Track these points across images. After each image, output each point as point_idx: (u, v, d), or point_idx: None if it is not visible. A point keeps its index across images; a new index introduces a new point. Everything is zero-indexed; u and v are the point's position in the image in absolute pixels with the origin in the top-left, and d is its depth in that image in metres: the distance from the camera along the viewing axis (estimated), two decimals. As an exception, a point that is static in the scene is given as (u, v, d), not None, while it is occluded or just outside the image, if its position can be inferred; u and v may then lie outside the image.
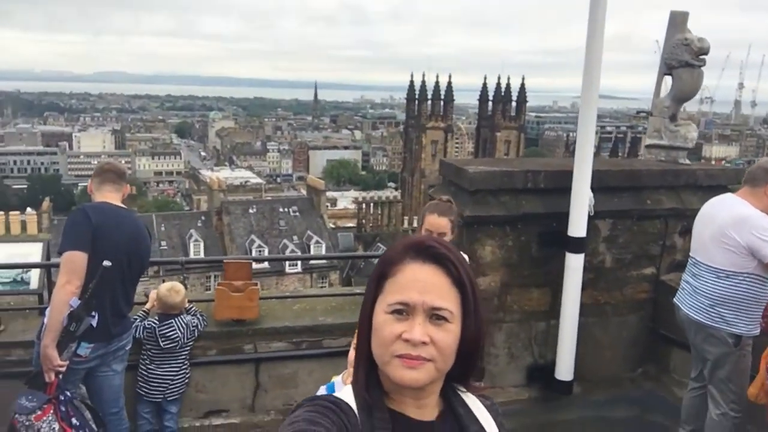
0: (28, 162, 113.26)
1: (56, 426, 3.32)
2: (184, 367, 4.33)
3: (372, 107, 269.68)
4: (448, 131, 79.01)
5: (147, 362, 4.26)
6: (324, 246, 43.85)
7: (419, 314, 1.23)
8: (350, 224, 55.05)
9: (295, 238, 44.27)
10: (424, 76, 78.32)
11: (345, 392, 1.30)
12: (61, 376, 3.38)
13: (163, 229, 44.11)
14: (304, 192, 58.45)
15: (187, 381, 4.36)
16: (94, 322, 3.38)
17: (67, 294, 3.31)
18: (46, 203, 46.39)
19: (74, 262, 3.36)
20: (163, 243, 42.64)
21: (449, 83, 78.17)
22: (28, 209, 21.52)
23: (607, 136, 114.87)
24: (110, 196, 3.68)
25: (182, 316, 4.30)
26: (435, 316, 1.24)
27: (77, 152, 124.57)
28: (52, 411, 3.33)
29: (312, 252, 43.44)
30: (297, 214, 46.23)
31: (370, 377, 1.30)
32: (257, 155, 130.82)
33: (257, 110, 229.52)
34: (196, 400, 4.53)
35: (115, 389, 3.80)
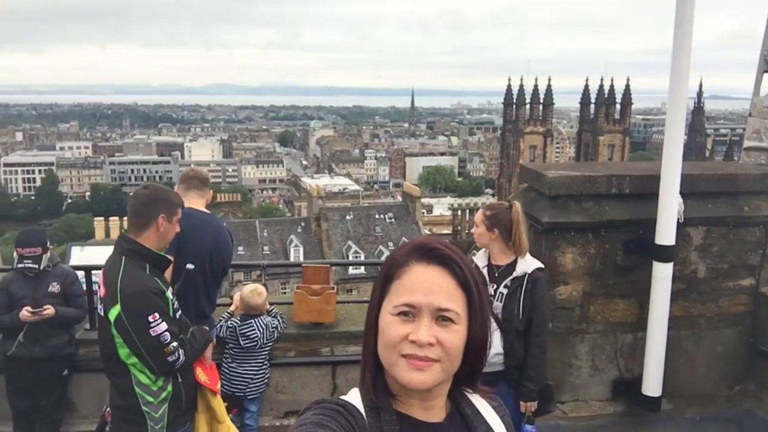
0: (144, 170, 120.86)
1: None
2: (263, 367, 4.48)
3: (469, 113, 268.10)
4: (547, 136, 77.13)
5: (229, 361, 4.45)
6: (419, 252, 43.92)
7: (425, 316, 1.24)
8: (446, 231, 54.82)
9: (390, 244, 44.63)
10: (522, 79, 77.02)
11: (352, 395, 1.31)
12: None
13: (265, 234, 45.81)
14: (400, 199, 58.90)
15: (266, 381, 4.51)
16: None
17: None
18: (158, 209, 49.65)
19: None
20: (266, 248, 44.29)
21: (548, 86, 76.37)
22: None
23: (722, 138, 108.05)
24: (195, 201, 3.88)
25: (262, 317, 4.47)
26: (441, 317, 1.25)
27: (188, 161, 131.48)
28: None
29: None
30: (392, 220, 46.64)
31: (377, 380, 1.30)
32: (355, 162, 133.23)
33: (356, 118, 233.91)
34: (276, 400, 4.68)
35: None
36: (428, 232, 50.32)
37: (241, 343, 4.39)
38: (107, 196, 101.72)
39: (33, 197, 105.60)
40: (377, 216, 46.99)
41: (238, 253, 44.20)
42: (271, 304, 4.77)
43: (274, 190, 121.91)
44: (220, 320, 4.52)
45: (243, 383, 4.42)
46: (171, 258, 3.26)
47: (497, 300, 3.63)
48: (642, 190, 4.61)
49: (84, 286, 4.59)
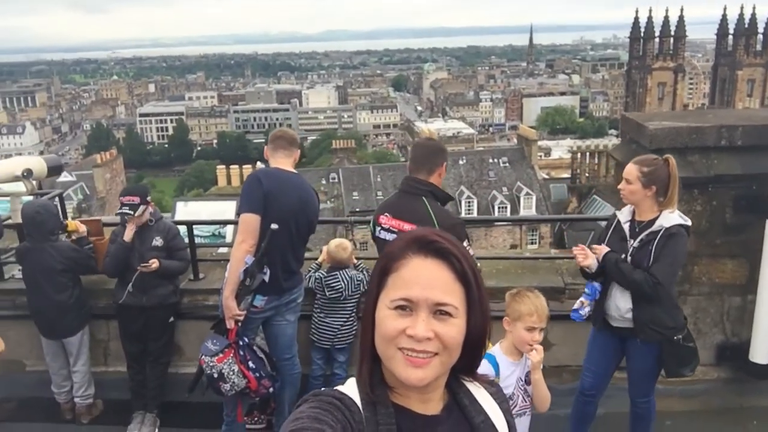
0: (265, 118, 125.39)
1: (236, 368, 3.79)
2: (350, 318, 4.61)
3: (592, 48, 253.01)
4: (678, 71, 71.43)
5: (318, 311, 4.63)
6: (534, 198, 42.93)
7: (423, 310, 1.22)
8: (564, 175, 52.91)
9: (504, 189, 43.87)
10: (651, 10, 71.23)
11: (349, 386, 1.30)
12: (240, 324, 3.81)
13: (378, 180, 46.46)
14: (515, 142, 57.35)
15: (354, 332, 4.64)
16: (267, 278, 3.74)
17: (242, 252, 3.69)
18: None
19: (249, 223, 3.71)
20: (379, 193, 44.93)
21: (681, 17, 70.15)
22: (258, 163, 23.84)
23: None
24: (282, 161, 3.97)
25: (347, 270, 4.57)
26: (439, 311, 1.22)
27: (306, 108, 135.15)
28: (231, 354, 3.79)
29: (522, 204, 42.90)
30: (507, 164, 45.62)
31: (374, 372, 1.29)
32: (470, 105, 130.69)
33: (471, 59, 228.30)
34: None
35: (289, 337, 4.17)
36: (545, 176, 48.80)
37: (327, 294, 4.54)
38: (232, 143, 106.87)
39: (166, 145, 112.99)
40: (491, 160, 46.12)
41: (353, 198, 45.38)
42: (359, 258, 4.86)
43: (388, 135, 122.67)
44: (309, 271, 4.69)
45: (330, 333, 4.57)
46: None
47: (630, 254, 3.49)
48: (757, 141, 4.18)
49: (186, 240, 4.89)
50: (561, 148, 74.19)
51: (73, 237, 4.74)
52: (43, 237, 4.47)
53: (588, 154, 50.21)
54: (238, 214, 3.90)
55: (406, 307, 1.22)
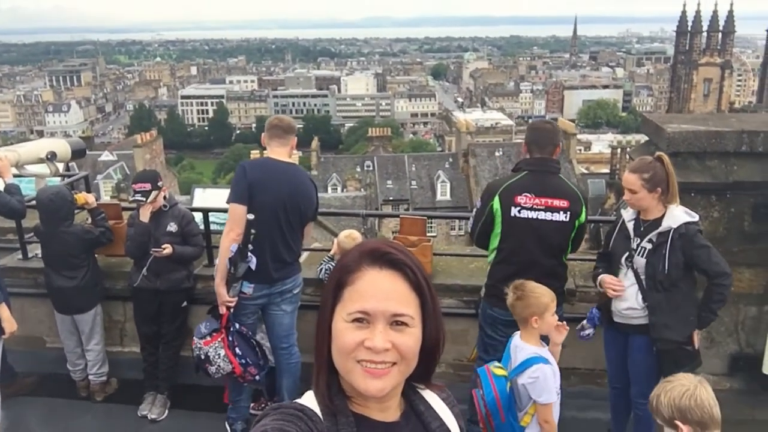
0: (304, 104, 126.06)
1: (222, 352, 3.89)
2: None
3: (638, 41, 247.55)
4: (726, 68, 69.51)
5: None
6: (570, 192, 42.26)
7: (380, 322, 1.23)
8: (603, 170, 51.99)
9: (540, 182, 43.32)
10: (699, 4, 69.32)
11: (308, 398, 1.32)
12: (231, 311, 3.90)
13: (413, 169, 46.38)
14: (553, 135, 56.41)
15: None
16: (253, 266, 3.80)
17: (228, 241, 3.79)
18: (314, 142, 51.72)
19: (234, 213, 3.81)
20: (413, 182, 44.92)
21: (730, 11, 68.25)
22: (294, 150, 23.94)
23: None
24: (277, 150, 4.01)
25: None
26: (396, 322, 1.23)
27: (344, 95, 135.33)
28: (220, 339, 3.90)
29: (557, 198, 42.20)
30: (544, 157, 44.99)
31: (331, 384, 1.30)
32: (509, 96, 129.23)
33: (512, 49, 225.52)
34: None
35: (285, 327, 4.22)
36: (584, 171, 48.08)
37: None
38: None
39: (206, 128, 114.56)
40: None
41: (387, 186, 45.39)
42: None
43: (425, 124, 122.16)
44: (321, 263, 4.72)
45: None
46: None
47: (639, 255, 3.55)
48: (779, 148, 4.04)
49: (201, 226, 4.98)
50: (602, 143, 72.89)
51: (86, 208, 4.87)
52: (57, 222, 4.59)
53: (629, 148, 49.26)
54: (227, 203, 3.95)
55: (363, 319, 1.23)
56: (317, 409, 1.28)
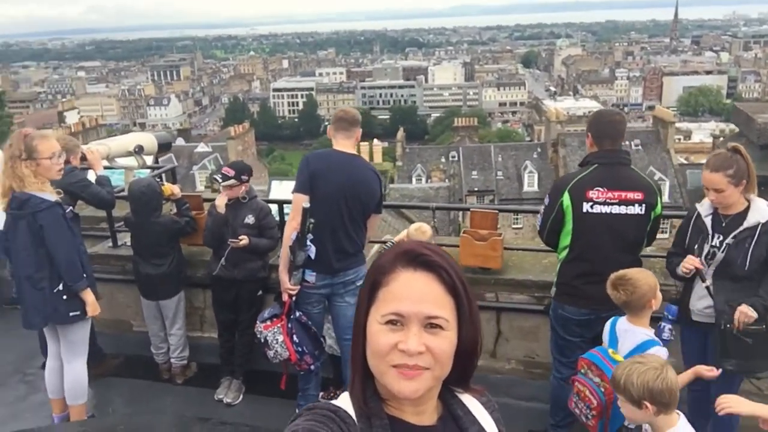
0: (391, 95, 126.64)
1: (280, 338, 4.00)
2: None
3: (746, 24, 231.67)
4: None
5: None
6: (668, 184, 40.34)
7: (414, 324, 1.21)
8: (703, 160, 49.18)
9: (634, 173, 41.59)
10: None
11: (343, 400, 1.31)
12: (293, 298, 3.98)
13: (500, 159, 45.66)
14: (651, 124, 54.01)
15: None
16: (312, 254, 3.86)
17: (290, 229, 3.92)
18: (400, 133, 51.82)
19: (296, 203, 3.91)
20: (500, 173, 44.24)
21: None
22: (375, 140, 24.22)
23: None
24: (342, 143, 4.05)
25: None
26: (430, 324, 1.22)
27: (431, 85, 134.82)
28: (279, 325, 4.00)
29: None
30: (639, 147, 43.14)
31: (366, 385, 1.29)
32: (604, 83, 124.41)
33: (608, 35, 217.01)
34: (442, 338, 4.80)
35: (349, 319, 4.22)
36: (683, 161, 45.72)
37: None
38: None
39: (296, 119, 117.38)
40: (622, 142, 43.83)
41: (472, 177, 44.91)
42: (440, 244, 4.84)
43: (514, 113, 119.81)
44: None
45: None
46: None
47: (721, 251, 3.37)
48: None
49: (277, 218, 5.10)
50: (703, 132, 69.01)
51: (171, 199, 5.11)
52: (147, 213, 4.82)
53: (720, 140, 46.38)
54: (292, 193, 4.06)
55: (397, 321, 1.22)
56: (351, 411, 1.27)
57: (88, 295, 3.99)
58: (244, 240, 4.65)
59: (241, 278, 4.79)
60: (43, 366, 4.42)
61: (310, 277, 4.00)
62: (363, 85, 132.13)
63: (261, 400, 4.84)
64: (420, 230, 4.59)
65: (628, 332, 3.24)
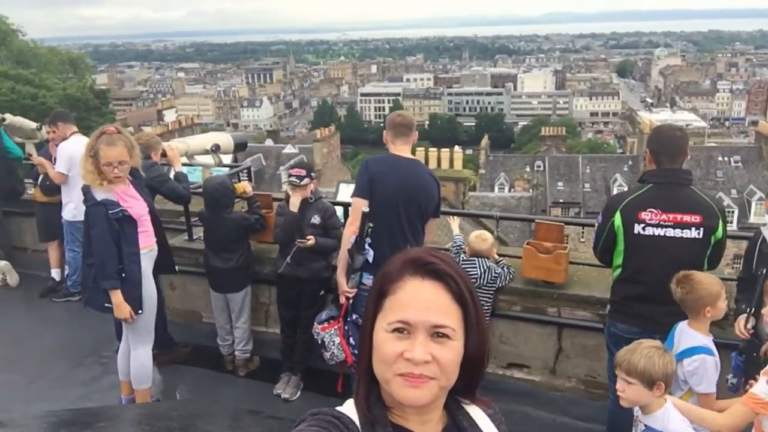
0: (477, 102, 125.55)
1: (336, 340, 4.04)
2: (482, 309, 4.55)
3: None
4: None
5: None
6: (769, 203, 37.93)
7: (420, 333, 1.20)
8: (814, 180, 45.95)
9: (733, 191, 39.46)
10: None
11: (347, 407, 1.31)
12: (350, 301, 4.02)
13: (588, 171, 44.43)
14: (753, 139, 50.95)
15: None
16: (370, 258, 3.88)
17: (348, 233, 3.97)
18: (484, 140, 51.31)
19: (355, 207, 3.95)
20: (587, 185, 43.03)
21: None
22: (456, 147, 24.02)
23: None
24: (400, 147, 4.08)
25: (486, 260, 4.51)
26: (437, 333, 1.21)
27: (520, 93, 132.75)
28: (336, 327, 4.04)
29: (752, 210, 38.30)
30: (739, 164, 40.94)
31: (371, 392, 1.29)
32: (704, 96, 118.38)
33: (710, 45, 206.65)
34: (499, 350, 4.72)
35: None
36: (789, 180, 42.90)
37: None
38: (443, 125, 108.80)
39: (381, 124, 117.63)
40: (720, 158, 41.64)
41: (557, 188, 43.82)
42: (502, 255, 4.78)
43: (606, 124, 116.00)
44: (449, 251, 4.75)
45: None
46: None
47: None
48: None
49: (343, 220, 5.17)
50: (813, 150, 64.30)
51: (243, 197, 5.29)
52: (220, 209, 5.02)
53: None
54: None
55: (404, 329, 1.21)
56: (355, 418, 1.27)
57: (115, 296, 4.08)
58: (311, 240, 4.75)
59: (304, 277, 4.89)
60: (117, 350, 4.68)
61: (368, 280, 4.04)
62: (450, 91, 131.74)
63: (317, 398, 4.91)
64: (480, 238, 4.54)
65: (684, 333, 3.17)
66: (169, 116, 65.13)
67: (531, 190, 40.78)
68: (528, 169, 45.46)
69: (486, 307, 4.58)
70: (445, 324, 1.21)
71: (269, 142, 59.50)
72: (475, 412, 1.37)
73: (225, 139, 5.69)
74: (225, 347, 5.31)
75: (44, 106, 26.09)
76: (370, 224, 3.81)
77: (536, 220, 4.71)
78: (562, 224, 4.55)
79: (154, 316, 4.41)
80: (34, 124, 7.14)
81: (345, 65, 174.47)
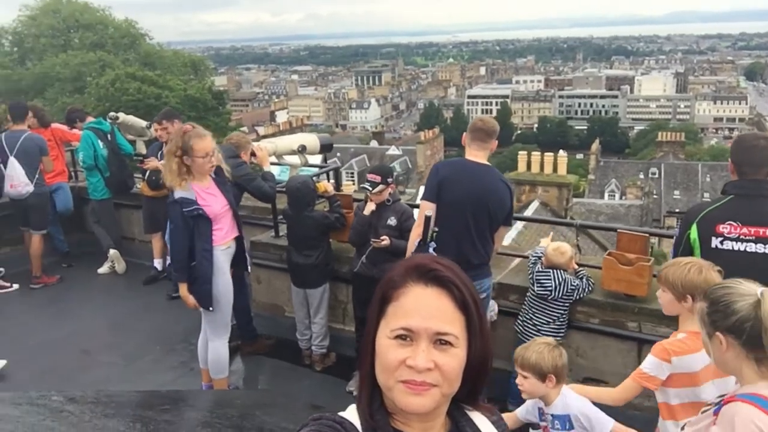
0: (591, 104, 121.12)
1: None
2: (557, 322, 4.41)
3: None
4: None
5: (525, 307, 4.54)
6: None
7: (423, 340, 1.21)
8: None
9: None
10: None
11: (350, 412, 1.31)
12: None
13: (708, 180, 42.03)
14: None
15: (560, 340, 4.43)
16: None
17: (413, 236, 3.99)
18: (595, 145, 49.46)
19: (422, 210, 3.94)
20: (706, 194, 40.51)
21: None
22: (561, 151, 23.29)
23: None
24: (474, 153, 4.02)
25: (563, 271, 4.37)
26: (439, 341, 1.21)
27: (637, 95, 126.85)
28: None
29: None
30: None
31: (373, 398, 1.29)
32: None
33: None
34: (576, 363, 4.54)
35: None
36: None
37: (535, 289, 4.41)
38: (553, 129, 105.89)
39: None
40: None
41: (673, 197, 41.52)
42: (582, 265, 4.61)
43: (731, 130, 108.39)
44: (529, 259, 4.65)
45: (532, 330, 4.43)
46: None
47: None
48: None
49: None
50: None
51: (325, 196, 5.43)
52: (301, 208, 5.18)
53: None
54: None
55: (406, 336, 1.21)
56: (357, 424, 1.27)
57: (181, 289, 4.39)
58: (385, 240, 4.78)
59: (379, 277, 4.85)
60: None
61: None
62: (561, 94, 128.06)
63: (388, 398, 4.95)
64: (558, 251, 4.39)
65: None
66: (281, 117, 67.75)
67: (643, 198, 38.89)
68: (641, 176, 43.48)
69: (562, 320, 4.44)
70: (448, 331, 1.20)
71: (374, 144, 60.45)
72: (479, 419, 1.36)
73: (311, 140, 5.87)
74: (303, 341, 5.47)
75: (166, 105, 27.96)
76: (435, 229, 3.80)
77: (618, 230, 4.49)
78: (647, 235, 4.31)
79: (230, 311, 4.63)
80: (144, 123, 7.68)
81: (453, 67, 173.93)
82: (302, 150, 5.73)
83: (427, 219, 3.81)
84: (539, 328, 4.43)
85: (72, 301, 6.96)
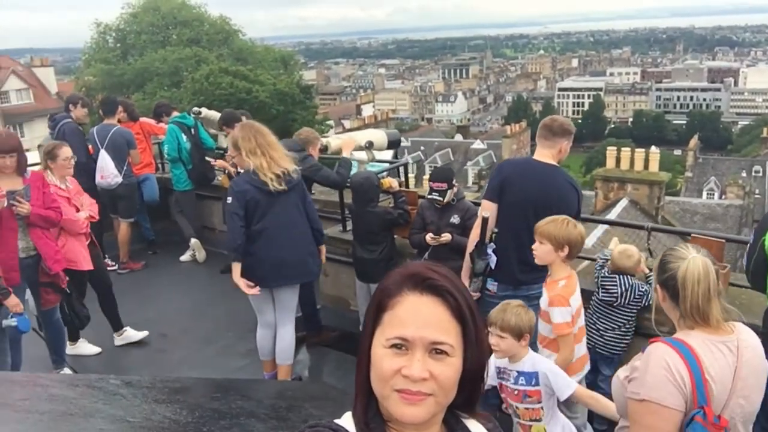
0: (691, 98, 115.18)
1: None
2: (623, 329, 4.25)
3: None
4: None
5: (590, 311, 4.38)
6: None
7: (418, 349, 1.20)
8: None
9: None
10: None
11: (345, 420, 1.31)
12: None
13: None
14: None
15: (624, 347, 4.26)
16: (492, 263, 3.76)
17: (473, 236, 3.96)
18: (693, 141, 46.96)
19: (481, 210, 3.84)
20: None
21: None
22: (653, 147, 22.26)
23: None
24: (541, 152, 3.93)
25: (632, 277, 4.20)
26: (435, 350, 1.20)
27: (742, 89, 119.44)
28: None
29: None
30: None
31: (368, 407, 1.29)
32: None
33: None
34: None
35: None
36: None
37: (600, 294, 4.27)
38: (649, 123, 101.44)
39: (579, 120, 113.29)
40: None
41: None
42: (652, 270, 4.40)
43: None
44: (597, 261, 4.51)
45: (595, 336, 4.28)
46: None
47: None
48: None
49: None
50: None
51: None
52: (365, 203, 5.24)
53: None
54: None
55: (402, 345, 1.21)
56: (353, 431, 1.28)
57: (234, 268, 4.46)
58: (446, 236, 4.75)
59: (442, 273, 4.91)
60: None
61: (492, 285, 3.97)
62: (658, 87, 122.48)
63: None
64: (625, 254, 4.22)
65: None
66: (367, 111, 68.42)
67: (744, 198, 36.57)
68: (744, 174, 40.95)
69: (627, 327, 4.27)
70: (444, 341, 1.19)
71: (458, 137, 59.98)
72: (475, 427, 1.34)
73: (380, 136, 5.91)
74: (365, 336, 5.52)
75: (256, 99, 28.84)
76: (495, 229, 3.74)
77: (692, 234, 4.25)
78: (723, 241, 4.06)
79: (296, 299, 4.75)
80: (226, 118, 7.96)
81: (544, 59, 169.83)
82: (369, 146, 5.78)
83: (485, 220, 3.76)
84: (602, 333, 4.29)
85: (154, 287, 7.35)
